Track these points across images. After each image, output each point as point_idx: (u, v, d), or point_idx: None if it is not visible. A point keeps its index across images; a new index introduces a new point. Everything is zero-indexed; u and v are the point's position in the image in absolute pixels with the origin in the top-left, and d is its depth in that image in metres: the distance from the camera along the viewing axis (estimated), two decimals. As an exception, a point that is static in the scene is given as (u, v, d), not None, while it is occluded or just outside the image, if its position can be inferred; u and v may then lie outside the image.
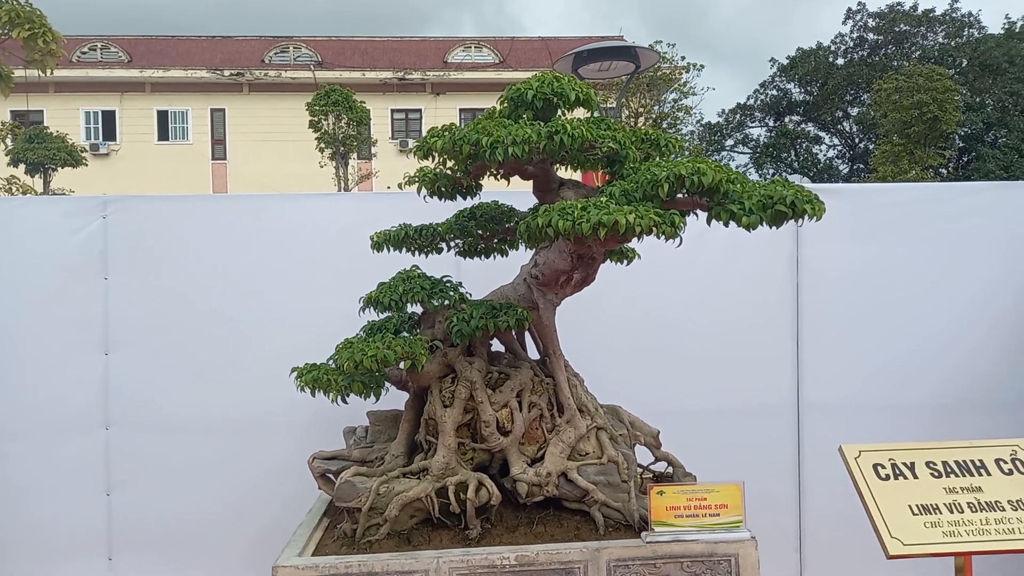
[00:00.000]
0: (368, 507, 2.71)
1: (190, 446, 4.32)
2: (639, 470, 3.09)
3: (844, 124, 35.87)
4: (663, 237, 2.23)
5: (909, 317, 4.49)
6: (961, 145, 30.81)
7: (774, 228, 2.41)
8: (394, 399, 3.28)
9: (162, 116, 29.78)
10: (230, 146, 29.90)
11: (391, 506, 2.71)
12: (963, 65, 31.27)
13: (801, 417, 4.54)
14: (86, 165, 24.11)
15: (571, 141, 2.46)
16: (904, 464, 2.66)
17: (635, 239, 2.25)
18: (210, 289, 4.33)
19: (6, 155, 21.76)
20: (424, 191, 3.03)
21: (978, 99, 30.01)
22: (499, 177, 3.05)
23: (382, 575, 2.52)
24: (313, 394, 2.73)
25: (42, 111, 28.51)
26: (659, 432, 3.25)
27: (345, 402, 2.73)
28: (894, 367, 4.48)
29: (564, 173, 3.15)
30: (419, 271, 3.00)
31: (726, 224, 2.38)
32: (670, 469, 3.22)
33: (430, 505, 2.74)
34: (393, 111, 30.18)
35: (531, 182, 3.06)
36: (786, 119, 35.99)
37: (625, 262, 3.38)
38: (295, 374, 2.81)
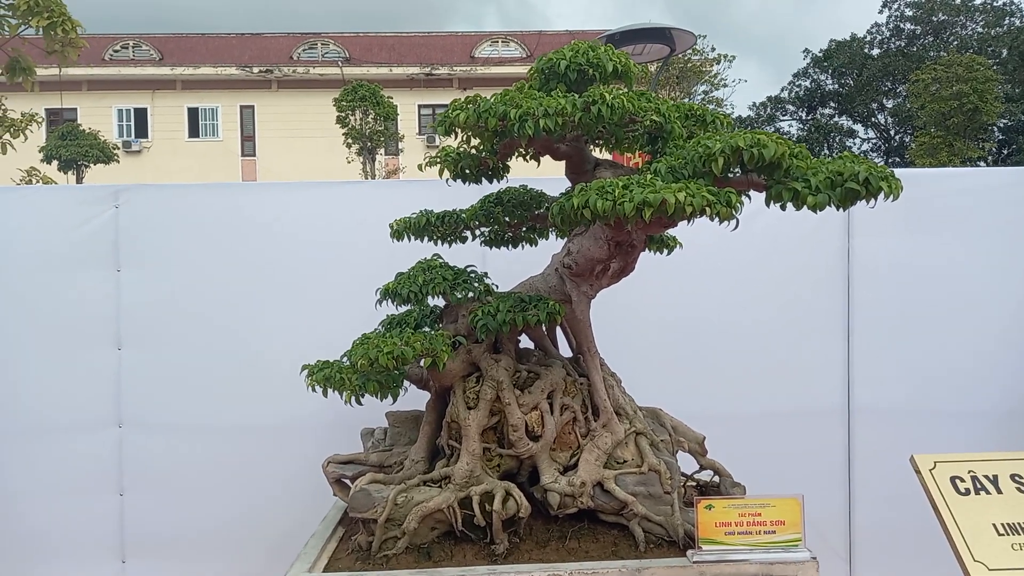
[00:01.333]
0: (385, 518, 2.47)
1: (206, 445, 4.14)
2: (682, 479, 2.81)
3: (879, 117, 35.02)
4: (716, 219, 1.96)
5: (969, 315, 4.15)
6: (1000, 137, 29.90)
7: (841, 210, 2.13)
8: (415, 398, 3.05)
9: (192, 113, 30.01)
10: (259, 142, 30.04)
11: (410, 518, 2.46)
12: (1003, 55, 30.31)
13: (852, 422, 4.23)
14: (118, 162, 24.33)
15: (610, 113, 2.18)
16: (986, 477, 2.36)
17: (684, 222, 1.98)
18: (228, 281, 4.13)
19: (39, 151, 22.00)
20: (447, 173, 2.78)
21: (1018, 90, 29.06)
22: (528, 157, 2.80)
23: (399, 595, 2.28)
24: (325, 394, 2.50)
25: (75, 109, 28.88)
26: (704, 438, 2.97)
27: (359, 403, 2.49)
28: (953, 369, 4.15)
29: (596, 154, 2.88)
30: (440, 260, 2.75)
31: (784, 206, 2.10)
32: (716, 479, 2.93)
33: (452, 517, 2.49)
34: (420, 107, 30.07)
35: (561, 164, 2.80)
36: (819, 112, 35.21)
37: (665, 251, 3.10)
38: (305, 372, 2.58)
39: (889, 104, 34.02)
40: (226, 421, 4.13)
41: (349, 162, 22.63)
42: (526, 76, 2.69)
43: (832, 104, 35.33)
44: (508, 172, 2.82)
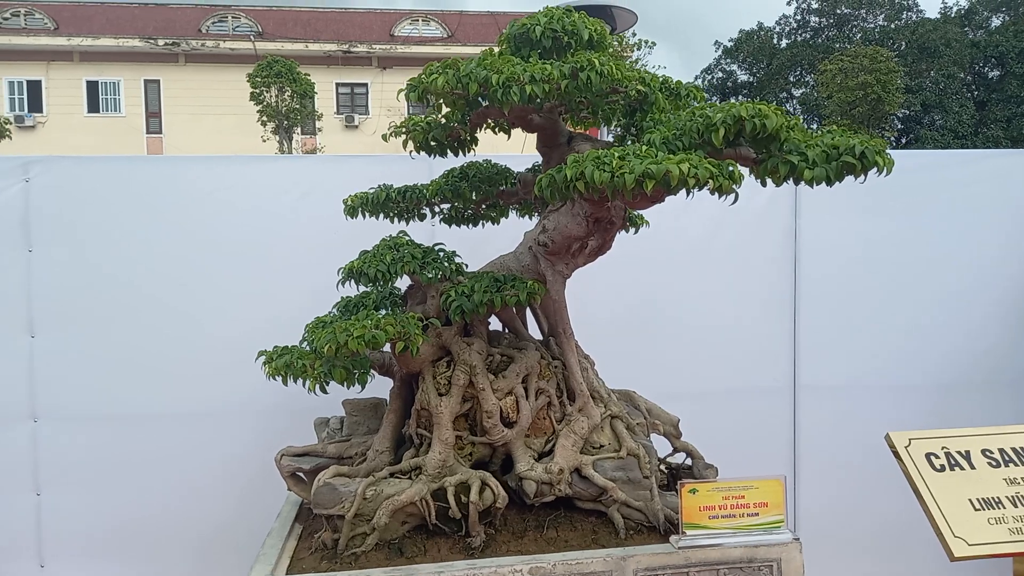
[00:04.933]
0: (353, 514, 2.30)
1: (130, 438, 3.84)
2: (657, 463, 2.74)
3: (788, 105, 36.28)
4: (717, 193, 1.87)
5: (911, 292, 4.25)
6: (900, 127, 31.44)
7: (829, 186, 2.08)
8: (371, 385, 2.87)
9: (92, 87, 28.29)
10: (166, 119, 28.61)
11: (380, 512, 2.30)
12: (902, 48, 31.83)
13: (797, 398, 4.29)
14: (10, 138, 22.79)
15: (599, 80, 2.06)
16: (959, 453, 2.38)
17: (686, 196, 1.88)
18: (150, 262, 3.82)
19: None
20: (411, 146, 2.60)
21: (916, 81, 30.59)
22: (497, 130, 2.66)
23: (373, 595, 2.12)
24: (285, 382, 2.30)
25: (-39, 80, 26.89)
26: (679, 420, 2.92)
27: (324, 391, 2.31)
28: (896, 345, 4.25)
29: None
30: (407, 238, 2.57)
31: (777, 180, 2.03)
32: (688, 461, 2.88)
33: (426, 510, 2.35)
34: (338, 85, 29.28)
35: (516, 142, 2.67)
36: (731, 100, 36.18)
37: (633, 230, 3.02)
38: (262, 359, 2.37)
39: (797, 93, 35.26)
40: (151, 411, 3.84)
41: (264, 141, 21.86)
42: (446, 55, 2.55)
43: (744, 93, 36.36)
44: (477, 144, 2.67)
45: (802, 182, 2.00)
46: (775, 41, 34.99)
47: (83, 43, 27.47)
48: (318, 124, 24.35)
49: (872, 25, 33.90)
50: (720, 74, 36.32)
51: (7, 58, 27.25)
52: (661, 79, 2.57)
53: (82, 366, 3.79)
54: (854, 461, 4.21)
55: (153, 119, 28.74)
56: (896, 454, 2.39)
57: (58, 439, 3.81)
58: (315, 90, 22.90)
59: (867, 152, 1.94)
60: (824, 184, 2.07)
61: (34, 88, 27.86)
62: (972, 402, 4.18)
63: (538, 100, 2.09)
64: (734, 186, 1.88)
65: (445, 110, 2.40)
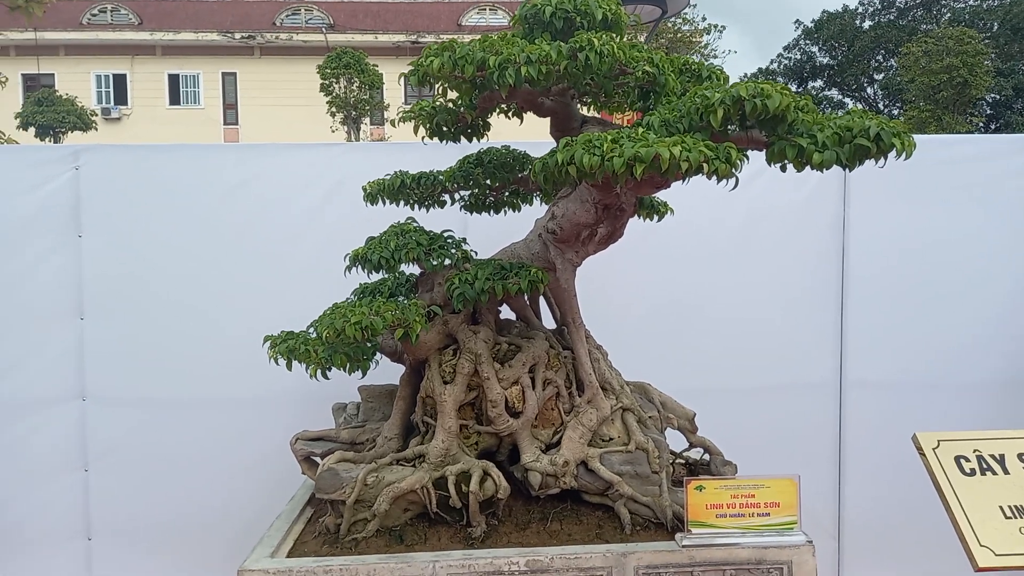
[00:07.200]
0: (354, 499, 2.31)
1: (175, 419, 3.95)
2: (670, 458, 2.66)
3: (869, 90, 34.81)
4: (715, 178, 1.78)
5: (966, 287, 4.01)
6: (989, 112, 29.79)
7: (848, 169, 1.95)
8: (391, 371, 2.87)
9: (173, 80, 29.40)
10: (242, 110, 29.50)
11: (381, 499, 2.30)
12: (994, 29, 30.12)
13: (843, 396, 4.10)
14: (96, 129, 23.84)
15: (599, 61, 1.99)
16: (992, 456, 2.23)
17: (679, 183, 1.80)
18: (197, 246, 3.91)
19: (15, 117, 21.58)
20: (422, 131, 2.58)
21: (1008, 64, 28.89)
22: (510, 114, 2.61)
23: (368, 581, 2.12)
24: (289, 366, 2.32)
25: (53, 74, 28.25)
26: (695, 414, 2.82)
27: (326, 376, 2.32)
28: (949, 341, 4.02)
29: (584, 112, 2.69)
30: (415, 224, 2.56)
31: (797, 165, 1.91)
32: (706, 457, 2.78)
33: (426, 498, 2.33)
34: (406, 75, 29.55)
35: (547, 123, 2.60)
36: (809, 85, 34.96)
37: (656, 217, 2.93)
38: (267, 343, 2.39)
39: (879, 77, 33.81)
40: (196, 394, 3.94)
41: (333, 131, 22.27)
42: (508, 26, 2.49)
43: (822, 76, 35.08)
44: (488, 129, 2.62)
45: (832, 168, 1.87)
46: (858, 23, 33.56)
47: (165, 37, 28.53)
48: (386, 114, 24.66)
49: (962, 5, 32.16)
50: (799, 55, 35.07)
51: (95, 52, 28.56)
52: (681, 61, 2.48)
53: (129, 349, 3.91)
54: (903, 462, 3.99)
55: (230, 110, 29.67)
56: (923, 455, 2.25)
57: (105, 419, 3.95)
58: (383, 81, 23.17)
59: (882, 134, 1.81)
60: (841, 168, 1.95)
61: (119, 81, 29.11)
62: (1033, 403, 3.93)
63: (541, 82, 2.03)
64: (734, 169, 1.78)
65: (453, 95, 2.36)
